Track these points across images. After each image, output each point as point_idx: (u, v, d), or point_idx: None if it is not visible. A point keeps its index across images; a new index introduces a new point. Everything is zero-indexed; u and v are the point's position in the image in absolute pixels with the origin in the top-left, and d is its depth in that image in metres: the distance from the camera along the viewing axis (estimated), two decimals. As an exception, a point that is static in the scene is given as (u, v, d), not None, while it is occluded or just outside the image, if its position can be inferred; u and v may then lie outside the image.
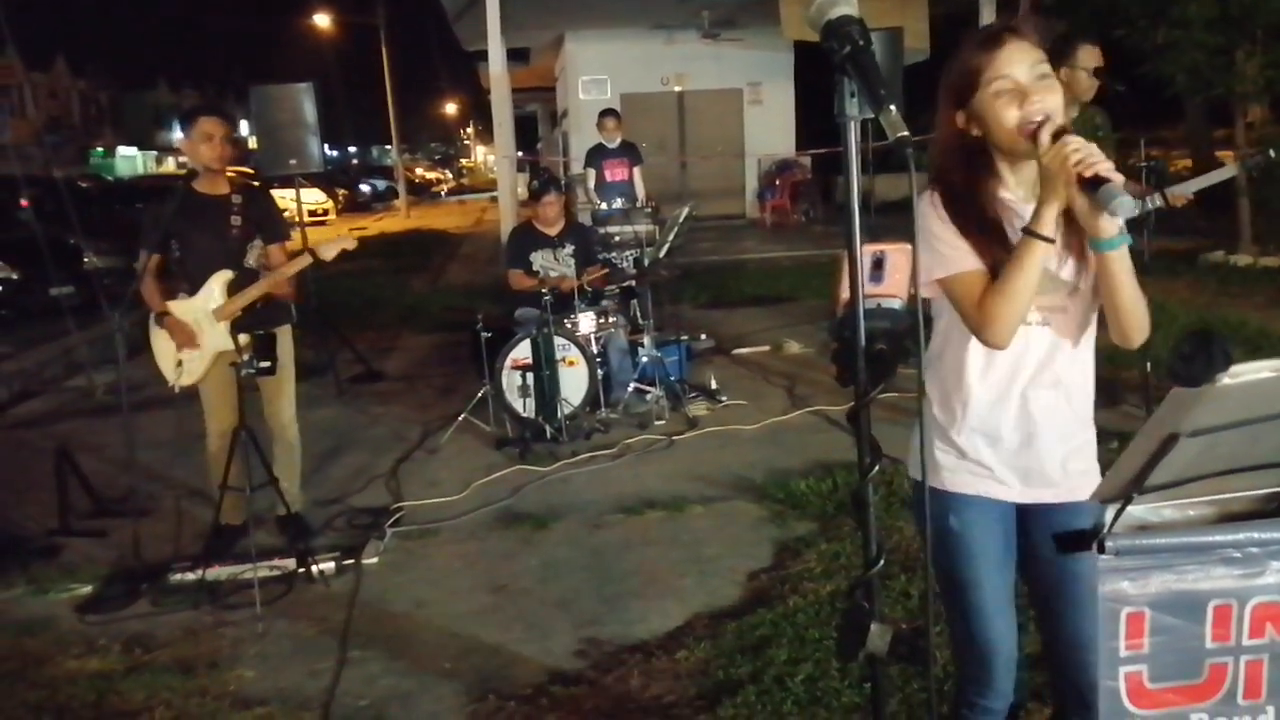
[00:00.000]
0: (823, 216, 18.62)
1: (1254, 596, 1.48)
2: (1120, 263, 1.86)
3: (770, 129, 19.04)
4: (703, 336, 8.33)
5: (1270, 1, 11.24)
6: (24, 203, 11.61)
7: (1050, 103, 1.88)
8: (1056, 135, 1.79)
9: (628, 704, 3.28)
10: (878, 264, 1.48)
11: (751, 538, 4.56)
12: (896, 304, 1.48)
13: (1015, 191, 2.00)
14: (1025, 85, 1.89)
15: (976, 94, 1.92)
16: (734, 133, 19.20)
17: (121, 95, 56.00)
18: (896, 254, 1.50)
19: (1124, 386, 5.60)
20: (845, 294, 1.44)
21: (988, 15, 14.31)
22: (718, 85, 18.77)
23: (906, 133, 1.33)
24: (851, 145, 1.40)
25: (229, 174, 4.75)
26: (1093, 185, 1.71)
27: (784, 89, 19.20)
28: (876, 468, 1.45)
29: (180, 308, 4.58)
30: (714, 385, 6.88)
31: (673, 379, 6.74)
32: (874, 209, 9.70)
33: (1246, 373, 1.24)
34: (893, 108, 1.33)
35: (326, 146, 8.30)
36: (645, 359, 6.66)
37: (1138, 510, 1.41)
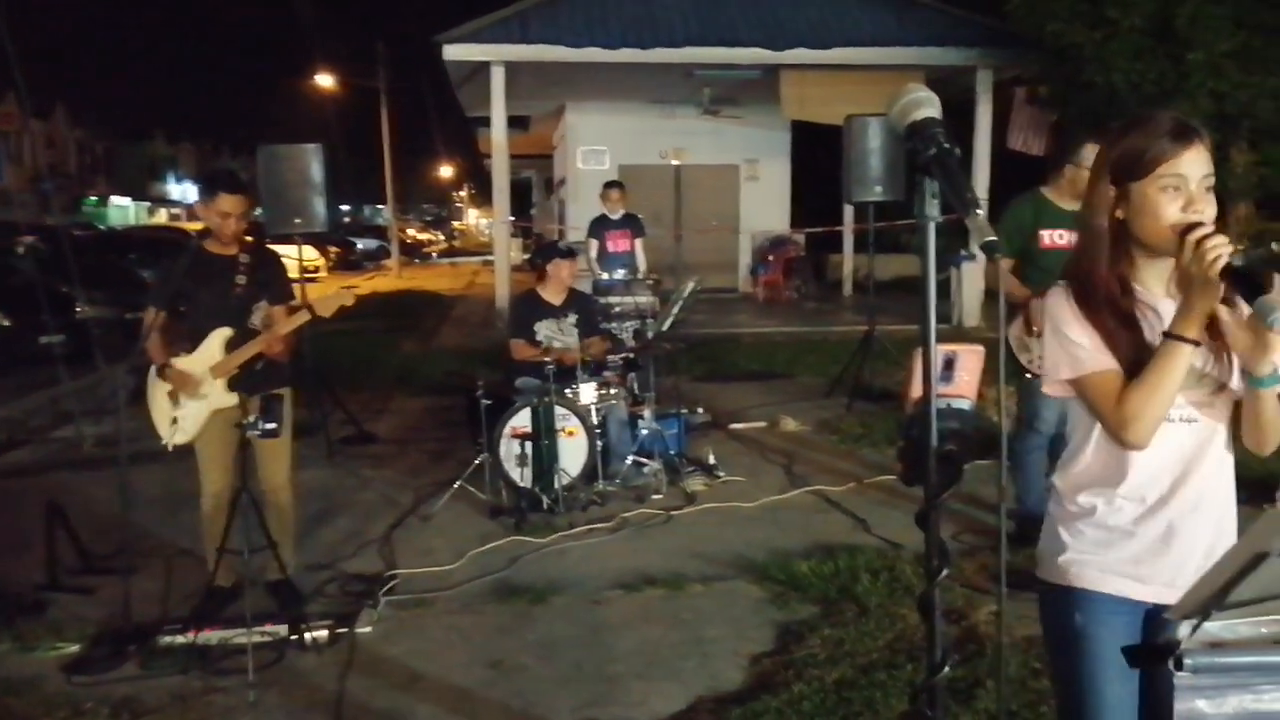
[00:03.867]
0: (815, 294, 18.74)
1: (1331, 720, 1.44)
2: (1272, 400, 1.88)
3: (765, 205, 19.24)
4: (699, 410, 8.30)
5: (1261, 101, 11.53)
6: (21, 249, 11.57)
7: (1210, 213, 1.89)
8: (1199, 242, 1.80)
9: (632, 791, 3.20)
10: (949, 364, 1.47)
11: (753, 619, 4.50)
12: (966, 404, 1.47)
13: (1151, 288, 2.00)
14: (1194, 190, 1.90)
15: (1140, 181, 1.92)
16: (730, 208, 19.37)
17: (117, 146, 56.18)
18: (968, 355, 1.49)
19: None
20: (915, 392, 1.43)
21: (984, 105, 14.55)
22: (715, 161, 18.94)
23: (994, 237, 1.33)
24: (931, 245, 1.40)
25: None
26: (1246, 289, 1.71)
27: (780, 167, 19.43)
28: (945, 571, 1.42)
29: (180, 364, 4.55)
30: (712, 460, 6.85)
31: (671, 453, 6.70)
32: (873, 288, 9.78)
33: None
34: (979, 211, 1.33)
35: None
36: (645, 431, 6.63)
37: (1213, 626, 1.39)
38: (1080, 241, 2.04)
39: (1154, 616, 2.02)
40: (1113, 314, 1.95)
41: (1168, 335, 1.84)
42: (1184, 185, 1.90)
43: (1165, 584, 1.98)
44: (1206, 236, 1.79)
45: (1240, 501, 2.05)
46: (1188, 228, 1.84)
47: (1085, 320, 1.95)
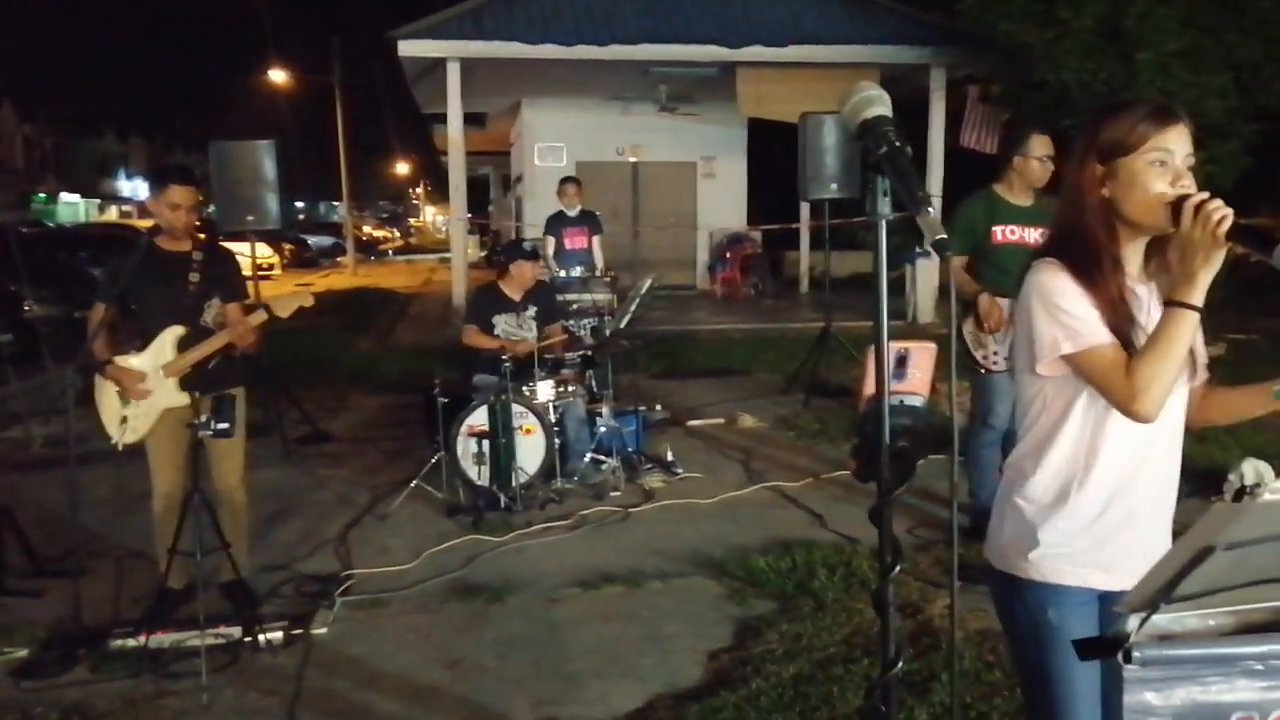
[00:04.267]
0: (771, 290, 18.82)
1: (1275, 710, 1.47)
2: (1275, 406, 1.94)
3: (722, 202, 19.27)
4: (658, 407, 8.30)
5: (1208, 100, 11.73)
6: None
7: (1194, 189, 1.91)
8: (1199, 207, 1.82)
9: (590, 789, 3.20)
10: (902, 361, 1.48)
11: (711, 616, 4.51)
12: (918, 401, 1.48)
13: (1128, 269, 2.02)
14: (1179, 166, 1.93)
15: (1128, 157, 1.94)
16: (687, 205, 19.39)
17: (67, 142, 55.16)
18: (920, 352, 1.50)
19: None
20: (869, 390, 1.43)
21: (938, 105, 14.67)
22: (672, 157, 19.00)
23: (944, 235, 1.34)
24: (882, 243, 1.40)
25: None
26: (1257, 245, 1.73)
27: (737, 164, 19.49)
28: (898, 568, 1.43)
29: (129, 363, 4.47)
30: (670, 457, 6.85)
31: (629, 450, 6.70)
32: (829, 285, 9.84)
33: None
34: (930, 209, 1.34)
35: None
36: (603, 429, 6.62)
37: (1161, 619, 1.40)
38: (1075, 219, 2.02)
39: (1108, 601, 2.04)
40: (1116, 284, 1.96)
41: (1170, 303, 1.85)
42: (1170, 160, 1.93)
43: (1125, 570, 1.99)
44: (1205, 201, 1.82)
45: (1188, 495, 2.08)
46: (1182, 198, 1.87)
47: (1087, 294, 1.95)
